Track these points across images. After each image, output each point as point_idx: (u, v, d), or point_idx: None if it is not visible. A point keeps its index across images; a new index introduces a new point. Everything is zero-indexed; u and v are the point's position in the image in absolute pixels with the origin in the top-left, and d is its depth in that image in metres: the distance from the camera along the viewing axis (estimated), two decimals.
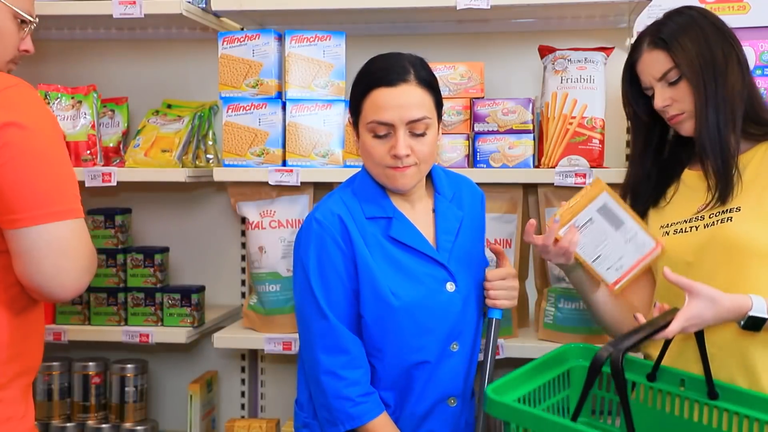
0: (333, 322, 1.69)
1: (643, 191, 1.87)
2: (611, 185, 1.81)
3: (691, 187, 1.83)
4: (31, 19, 1.64)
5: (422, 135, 1.68)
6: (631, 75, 1.84)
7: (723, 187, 1.72)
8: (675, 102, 1.76)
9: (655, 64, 1.76)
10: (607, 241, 1.76)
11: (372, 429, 1.68)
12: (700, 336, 1.57)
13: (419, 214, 1.79)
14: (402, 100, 1.67)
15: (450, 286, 1.75)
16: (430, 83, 1.71)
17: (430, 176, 1.83)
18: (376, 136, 1.69)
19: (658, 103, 1.77)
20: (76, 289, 1.52)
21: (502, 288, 1.81)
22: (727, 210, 1.72)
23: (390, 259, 1.73)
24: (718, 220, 1.72)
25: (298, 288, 1.75)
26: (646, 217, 1.85)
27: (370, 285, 1.70)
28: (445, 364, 1.76)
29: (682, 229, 1.77)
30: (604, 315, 1.87)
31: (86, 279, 1.53)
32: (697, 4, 2.42)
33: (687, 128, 1.78)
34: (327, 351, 1.69)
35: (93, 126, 2.41)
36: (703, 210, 1.76)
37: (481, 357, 1.85)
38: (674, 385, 1.64)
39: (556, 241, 1.74)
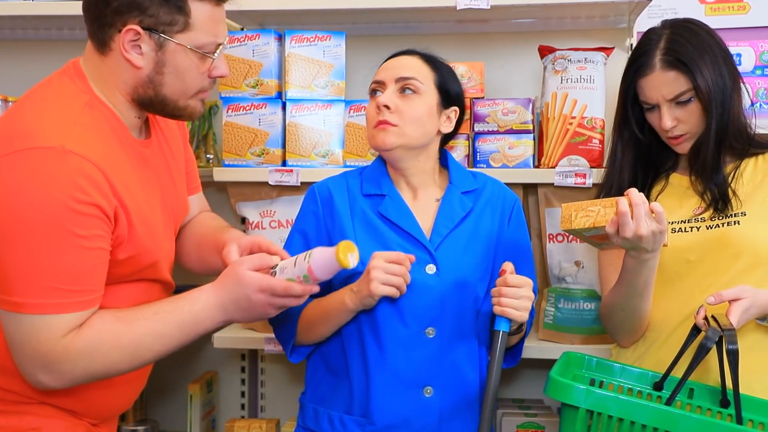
0: None
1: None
2: None
3: (680, 189, 1.84)
4: (212, 50, 1.52)
5: (411, 94, 1.73)
6: (631, 89, 1.81)
7: (718, 202, 1.75)
8: (680, 123, 1.76)
9: (670, 84, 1.74)
10: None
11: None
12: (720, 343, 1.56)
13: (421, 200, 1.79)
14: (397, 63, 1.78)
15: (430, 269, 1.71)
16: (434, 62, 1.78)
17: (446, 167, 1.84)
18: (372, 95, 1.77)
19: (666, 123, 1.75)
20: (33, 382, 1.41)
21: (515, 296, 1.62)
22: (731, 214, 1.74)
23: (376, 236, 1.73)
24: (723, 223, 1.74)
25: None
26: None
27: None
28: (420, 350, 1.68)
29: (681, 228, 1.78)
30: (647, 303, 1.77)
31: (40, 377, 1.39)
32: (698, 4, 2.42)
33: (685, 147, 1.79)
34: None
35: None
36: (701, 213, 1.78)
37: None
38: (682, 394, 1.65)
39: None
